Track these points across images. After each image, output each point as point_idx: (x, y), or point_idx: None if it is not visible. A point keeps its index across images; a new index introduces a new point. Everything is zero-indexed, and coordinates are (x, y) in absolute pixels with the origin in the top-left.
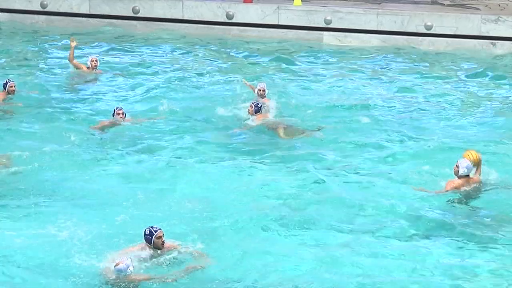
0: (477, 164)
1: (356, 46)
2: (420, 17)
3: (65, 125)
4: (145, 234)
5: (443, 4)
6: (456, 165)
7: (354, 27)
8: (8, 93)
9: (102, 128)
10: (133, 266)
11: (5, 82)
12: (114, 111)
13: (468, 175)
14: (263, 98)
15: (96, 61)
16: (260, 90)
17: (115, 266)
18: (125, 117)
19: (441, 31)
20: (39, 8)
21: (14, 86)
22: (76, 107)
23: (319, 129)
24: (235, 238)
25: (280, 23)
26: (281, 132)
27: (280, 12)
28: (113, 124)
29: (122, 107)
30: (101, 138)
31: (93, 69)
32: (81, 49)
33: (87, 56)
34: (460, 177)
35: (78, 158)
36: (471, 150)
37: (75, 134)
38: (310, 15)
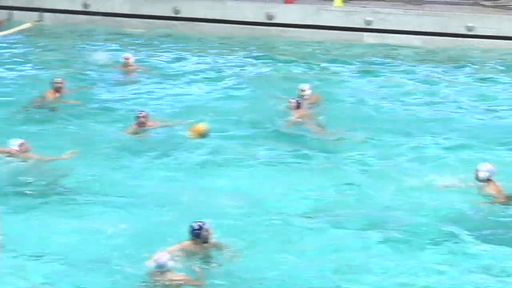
0: None
1: (396, 47)
2: (461, 18)
3: (107, 124)
4: (193, 229)
5: (483, 5)
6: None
7: (395, 28)
8: (56, 91)
9: (136, 130)
10: (173, 262)
11: (52, 80)
12: (137, 115)
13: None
14: (305, 98)
15: (129, 58)
16: (303, 90)
17: (154, 261)
18: (148, 119)
19: (482, 32)
20: (82, 8)
21: (62, 83)
22: (118, 107)
23: (355, 130)
24: (273, 236)
25: (320, 24)
26: (319, 130)
27: (321, 13)
28: (142, 127)
29: (145, 109)
30: (140, 139)
31: (126, 67)
32: (121, 50)
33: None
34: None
35: (120, 157)
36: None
37: (117, 134)
38: (350, 15)
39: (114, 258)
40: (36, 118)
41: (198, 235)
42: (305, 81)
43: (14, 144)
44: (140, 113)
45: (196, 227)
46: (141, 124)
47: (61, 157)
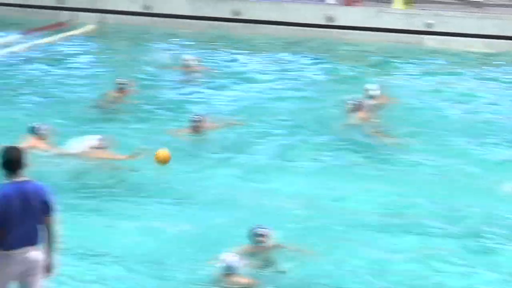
0: None
1: (457, 50)
2: None
3: (167, 125)
4: (253, 234)
5: None
6: None
7: (456, 31)
8: (119, 91)
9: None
10: (240, 264)
11: (115, 81)
12: (192, 118)
13: None
14: (371, 98)
15: (189, 60)
16: (369, 90)
17: (223, 261)
18: (204, 123)
19: None
20: (143, 10)
21: (125, 84)
22: (178, 107)
23: (415, 134)
24: (333, 240)
25: (380, 26)
26: (378, 133)
27: (381, 15)
28: (197, 131)
29: (201, 113)
30: (200, 140)
31: (186, 68)
32: (182, 51)
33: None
34: None
35: (181, 159)
36: None
37: (176, 134)
38: (410, 18)
39: (174, 259)
40: (99, 118)
41: (258, 241)
42: (366, 83)
43: (92, 139)
44: (195, 118)
45: (257, 233)
46: (196, 128)
47: (128, 156)
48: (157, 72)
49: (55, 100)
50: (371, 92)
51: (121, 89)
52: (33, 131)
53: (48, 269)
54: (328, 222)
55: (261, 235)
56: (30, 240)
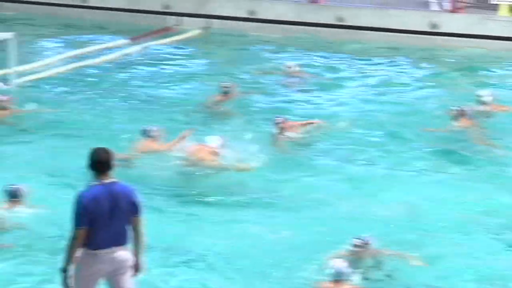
0: None
1: None
2: None
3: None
4: (354, 242)
5: None
6: None
7: None
8: (224, 95)
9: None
10: (349, 270)
11: (220, 85)
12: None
13: None
14: (482, 104)
15: (292, 66)
16: (481, 96)
17: (331, 267)
18: (284, 123)
19: None
20: (248, 15)
21: (229, 88)
22: (280, 112)
23: None
24: (434, 247)
25: (485, 34)
26: (483, 141)
27: (486, 22)
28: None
29: (283, 116)
30: (303, 146)
31: (289, 74)
32: (285, 57)
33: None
34: None
35: (282, 163)
36: None
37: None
38: None
39: (272, 265)
40: (204, 121)
41: (360, 247)
42: (478, 90)
43: (213, 140)
44: (278, 120)
45: (358, 242)
46: (282, 130)
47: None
48: (260, 77)
49: (161, 103)
50: (484, 98)
51: (225, 92)
52: (145, 133)
53: (136, 269)
54: (430, 228)
55: (363, 243)
56: (118, 241)
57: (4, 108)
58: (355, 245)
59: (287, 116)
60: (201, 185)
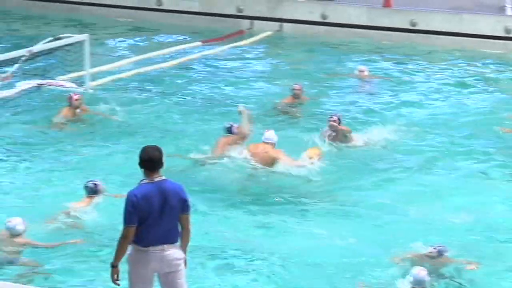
0: None
1: None
2: None
3: None
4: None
5: None
6: None
7: None
8: (294, 97)
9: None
10: (428, 279)
11: (292, 87)
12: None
13: None
14: None
15: (364, 71)
16: None
17: (413, 274)
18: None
19: None
20: (320, 19)
21: (300, 90)
22: (354, 116)
23: None
24: (502, 255)
25: None
26: None
27: None
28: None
29: (337, 113)
30: (372, 152)
31: (361, 78)
32: (355, 61)
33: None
34: None
35: (352, 169)
36: None
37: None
38: None
39: (341, 271)
40: (273, 122)
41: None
42: None
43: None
44: (331, 117)
45: (433, 251)
46: (332, 127)
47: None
48: (332, 79)
49: (233, 104)
50: None
51: (295, 95)
52: (228, 130)
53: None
54: (495, 236)
55: (439, 251)
56: (168, 238)
57: (76, 107)
58: (430, 253)
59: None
60: (265, 187)
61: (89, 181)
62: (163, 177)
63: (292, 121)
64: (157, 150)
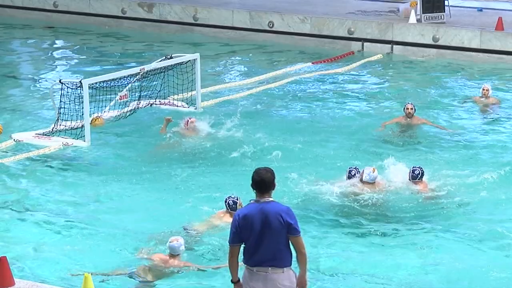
0: None
1: None
2: None
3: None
4: None
5: None
6: None
7: None
8: (407, 116)
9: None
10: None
11: (404, 106)
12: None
13: None
14: None
15: (488, 90)
16: None
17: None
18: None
19: None
20: (431, 42)
21: (412, 110)
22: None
23: None
24: None
25: None
26: None
27: None
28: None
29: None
30: None
31: (485, 99)
32: (467, 84)
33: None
34: None
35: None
36: None
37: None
38: None
39: None
40: (384, 146)
41: None
42: None
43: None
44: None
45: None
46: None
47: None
48: (452, 103)
49: (342, 126)
50: None
51: (408, 114)
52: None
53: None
54: None
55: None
56: (272, 261)
57: (193, 130)
58: None
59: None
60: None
61: (229, 197)
62: (271, 199)
63: (402, 143)
64: (269, 172)
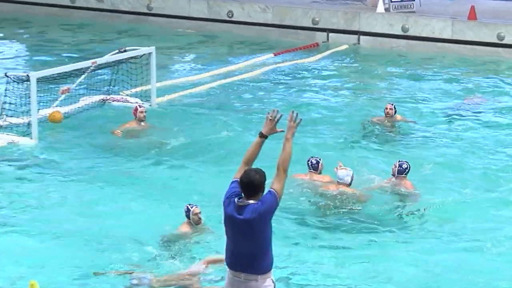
0: None
1: None
2: None
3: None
4: None
5: None
6: None
7: None
8: (387, 114)
9: None
10: None
11: (386, 106)
12: None
13: None
14: None
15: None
16: None
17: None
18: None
19: None
20: (400, 33)
21: (391, 110)
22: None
23: None
24: None
25: None
26: None
27: None
28: None
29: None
30: None
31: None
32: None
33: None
34: None
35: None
36: None
37: None
38: None
39: None
40: (364, 141)
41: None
42: None
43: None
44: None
45: None
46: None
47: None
48: (425, 100)
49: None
50: None
51: (387, 113)
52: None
53: None
54: None
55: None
56: (245, 266)
57: (140, 120)
58: None
59: None
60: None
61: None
62: (251, 201)
63: (380, 140)
64: (259, 173)
